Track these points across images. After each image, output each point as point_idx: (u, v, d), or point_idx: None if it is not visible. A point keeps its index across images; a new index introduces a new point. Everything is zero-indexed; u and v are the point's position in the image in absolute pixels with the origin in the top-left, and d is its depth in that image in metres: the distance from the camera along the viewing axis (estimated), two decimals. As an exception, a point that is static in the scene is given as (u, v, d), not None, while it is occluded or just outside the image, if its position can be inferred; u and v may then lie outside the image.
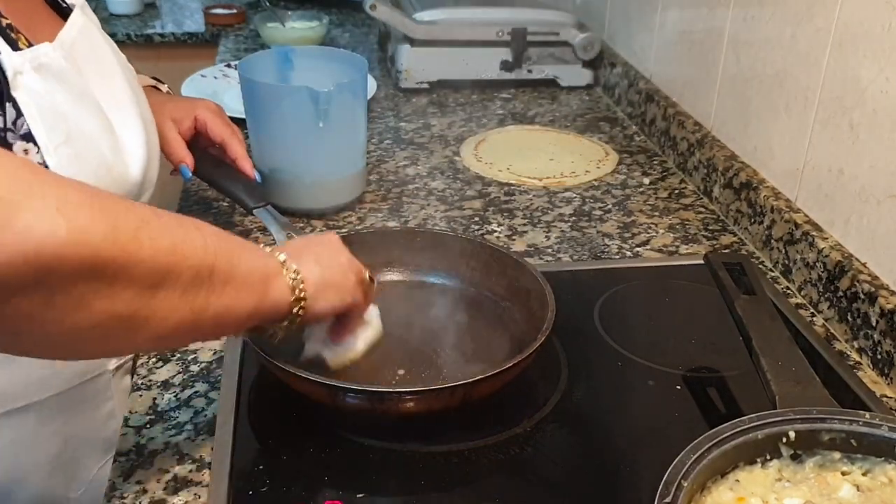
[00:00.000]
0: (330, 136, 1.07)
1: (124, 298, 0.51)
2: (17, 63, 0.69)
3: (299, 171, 1.09)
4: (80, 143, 0.74)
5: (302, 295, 0.65)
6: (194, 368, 0.84)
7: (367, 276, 0.75)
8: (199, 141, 1.02)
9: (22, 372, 0.78)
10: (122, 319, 0.52)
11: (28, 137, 0.69)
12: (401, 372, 0.80)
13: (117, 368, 0.89)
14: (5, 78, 0.68)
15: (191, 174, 1.00)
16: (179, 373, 0.83)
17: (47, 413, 0.81)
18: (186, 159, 0.99)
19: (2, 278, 0.45)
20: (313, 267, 0.67)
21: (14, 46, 0.70)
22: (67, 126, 0.73)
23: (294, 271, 0.65)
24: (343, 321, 0.74)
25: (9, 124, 0.68)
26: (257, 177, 1.01)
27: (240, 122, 1.41)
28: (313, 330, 0.75)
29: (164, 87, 1.08)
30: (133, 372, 0.90)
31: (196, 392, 0.81)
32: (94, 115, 0.77)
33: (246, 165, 1.00)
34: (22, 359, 0.77)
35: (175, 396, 0.80)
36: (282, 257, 0.65)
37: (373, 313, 0.77)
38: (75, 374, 0.83)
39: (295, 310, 0.65)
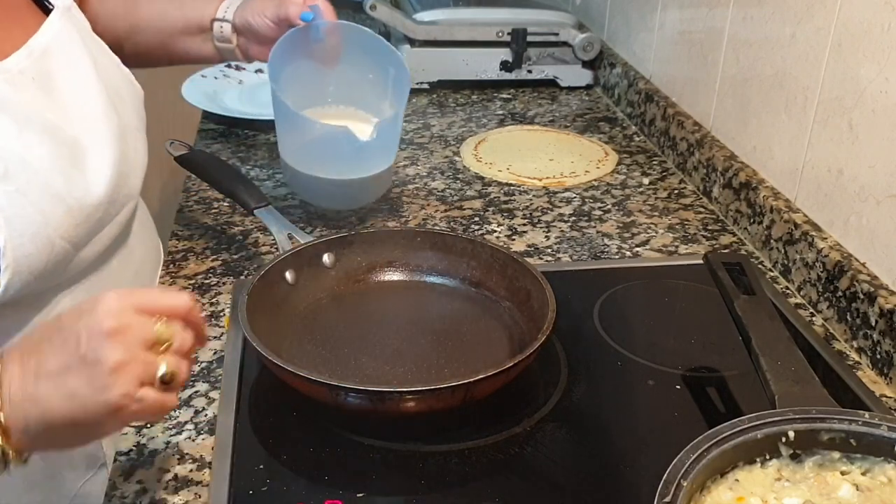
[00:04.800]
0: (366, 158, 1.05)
1: None
2: None
3: (329, 173, 1.05)
4: (21, 177, 0.70)
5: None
6: (195, 368, 0.84)
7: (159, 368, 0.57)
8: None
9: None
10: None
11: None
12: (401, 371, 0.81)
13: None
14: None
15: (312, 16, 0.99)
16: (180, 373, 0.83)
17: None
18: (304, 8, 0.98)
19: None
20: (25, 386, 0.54)
21: None
22: (6, 161, 0.70)
23: None
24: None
25: None
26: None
27: (240, 123, 1.42)
28: None
29: None
30: None
31: (196, 392, 0.81)
32: (44, 142, 0.73)
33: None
34: None
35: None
36: None
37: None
38: None
39: None
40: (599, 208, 1.18)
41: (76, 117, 0.78)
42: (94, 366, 0.54)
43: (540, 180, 1.25)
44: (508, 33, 1.57)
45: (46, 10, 0.81)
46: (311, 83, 1.08)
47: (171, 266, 1.01)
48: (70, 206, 0.75)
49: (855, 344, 0.89)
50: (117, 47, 0.94)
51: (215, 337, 0.89)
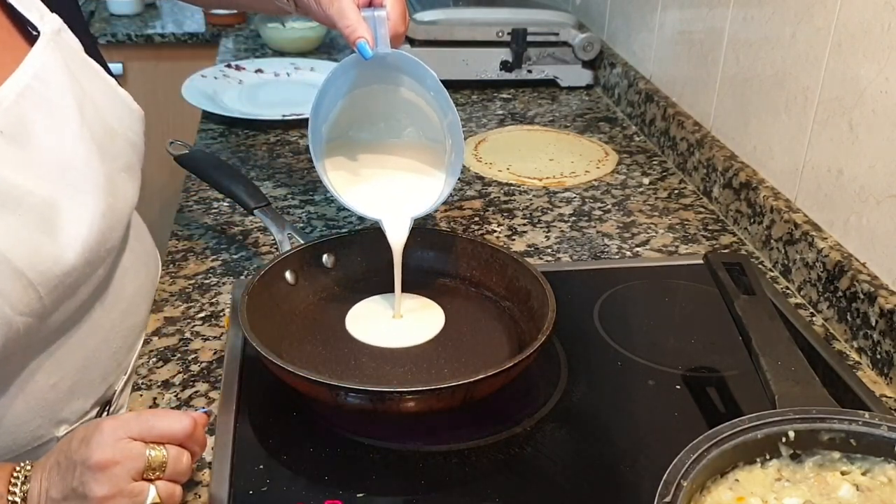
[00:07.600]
0: None
1: None
2: None
3: None
4: None
5: None
6: (195, 368, 0.84)
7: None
8: None
9: None
10: None
11: None
12: (401, 371, 0.81)
13: (67, 433, 0.80)
14: None
15: (371, 52, 0.81)
16: (180, 372, 0.83)
17: None
18: (366, 34, 0.81)
19: None
20: None
21: None
22: None
23: None
24: None
25: None
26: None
27: (240, 123, 1.42)
28: None
29: None
30: None
31: (196, 392, 0.81)
32: (3, 213, 0.67)
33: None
34: None
35: (175, 396, 0.80)
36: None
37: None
38: (18, 443, 0.76)
39: None
40: (599, 208, 1.18)
41: (53, 173, 0.71)
42: (83, 499, 0.59)
43: (540, 180, 1.25)
44: (508, 33, 1.57)
45: (32, 37, 0.73)
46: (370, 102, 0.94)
47: (171, 266, 1.01)
48: (31, 281, 0.68)
49: (855, 344, 0.89)
50: None
51: (215, 337, 0.89)
